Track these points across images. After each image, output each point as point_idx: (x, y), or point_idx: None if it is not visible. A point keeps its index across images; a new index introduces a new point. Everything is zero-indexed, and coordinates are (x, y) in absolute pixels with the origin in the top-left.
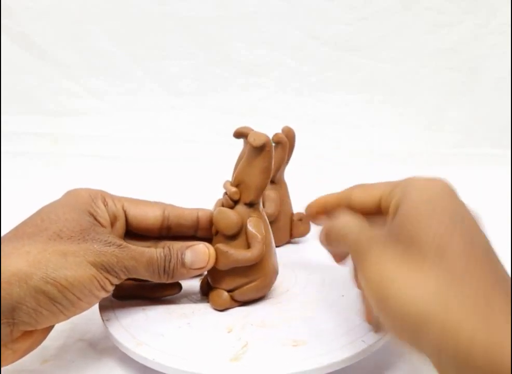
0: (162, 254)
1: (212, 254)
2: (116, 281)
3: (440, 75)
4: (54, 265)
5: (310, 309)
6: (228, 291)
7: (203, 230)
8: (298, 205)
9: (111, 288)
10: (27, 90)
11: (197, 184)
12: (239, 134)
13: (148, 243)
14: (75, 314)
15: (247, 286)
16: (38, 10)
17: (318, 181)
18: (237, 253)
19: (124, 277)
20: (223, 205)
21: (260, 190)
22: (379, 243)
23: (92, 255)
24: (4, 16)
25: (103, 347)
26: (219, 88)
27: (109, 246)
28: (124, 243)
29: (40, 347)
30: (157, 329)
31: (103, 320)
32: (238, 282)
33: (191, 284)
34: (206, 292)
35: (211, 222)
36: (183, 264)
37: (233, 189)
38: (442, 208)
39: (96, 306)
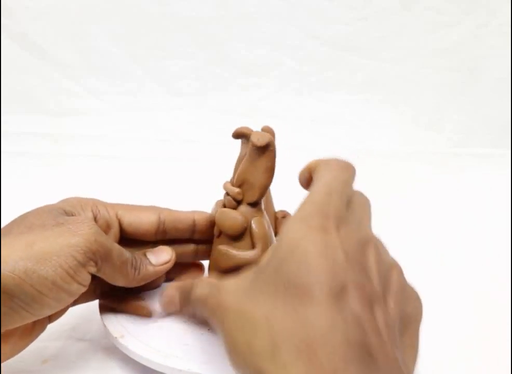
0: (130, 256)
1: (171, 250)
2: (92, 266)
3: (440, 75)
4: (16, 257)
5: None
6: None
7: (200, 233)
8: (281, 203)
9: (83, 278)
10: (27, 90)
11: (197, 184)
12: (239, 135)
13: None
14: (42, 312)
15: None
16: (38, 10)
17: None
18: (241, 254)
19: (100, 262)
20: (224, 206)
21: (265, 190)
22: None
23: (67, 235)
24: (4, 16)
25: (104, 347)
26: (219, 88)
27: (85, 222)
28: (109, 240)
29: (40, 347)
30: (179, 339)
31: (115, 338)
32: None
33: None
34: None
35: (208, 225)
36: (150, 263)
37: (237, 189)
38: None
39: (97, 308)
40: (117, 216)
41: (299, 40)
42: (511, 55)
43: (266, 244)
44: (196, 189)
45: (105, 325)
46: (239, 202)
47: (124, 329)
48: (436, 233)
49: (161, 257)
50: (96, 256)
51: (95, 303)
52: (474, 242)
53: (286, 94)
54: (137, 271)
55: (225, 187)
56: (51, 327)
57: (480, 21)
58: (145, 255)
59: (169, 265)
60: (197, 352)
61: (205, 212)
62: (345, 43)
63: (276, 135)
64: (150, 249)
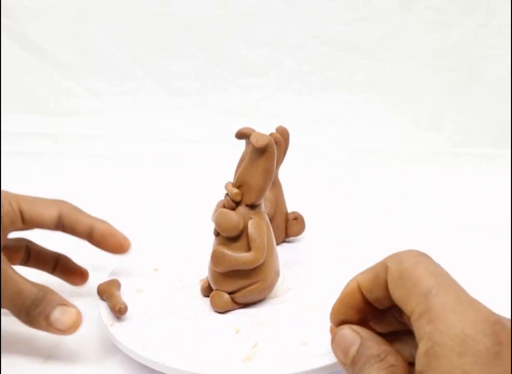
0: (33, 295)
1: (77, 324)
2: None
3: (440, 75)
4: None
5: (314, 307)
6: (229, 293)
7: (96, 242)
8: (293, 204)
9: None
10: (27, 90)
11: (197, 184)
12: (241, 135)
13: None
14: None
15: (249, 288)
16: (38, 10)
17: (316, 181)
18: (236, 256)
19: None
20: (224, 207)
21: (262, 192)
22: None
23: None
24: (4, 16)
25: (103, 347)
26: (219, 88)
27: None
28: (5, 262)
29: (40, 346)
30: (163, 332)
31: (106, 325)
32: (239, 284)
33: (191, 287)
34: (207, 292)
35: (105, 236)
36: (46, 317)
37: (235, 190)
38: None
39: (96, 308)
40: (19, 210)
41: (299, 40)
42: (511, 55)
43: (262, 247)
44: (196, 189)
45: (99, 313)
46: (237, 203)
47: (116, 317)
48: (436, 233)
49: (61, 321)
50: None
51: (95, 301)
52: (474, 242)
53: (286, 94)
54: (28, 319)
55: (225, 188)
56: None
57: (480, 21)
58: (56, 305)
59: (61, 334)
60: (177, 347)
61: (108, 224)
62: (345, 43)
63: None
64: (67, 305)
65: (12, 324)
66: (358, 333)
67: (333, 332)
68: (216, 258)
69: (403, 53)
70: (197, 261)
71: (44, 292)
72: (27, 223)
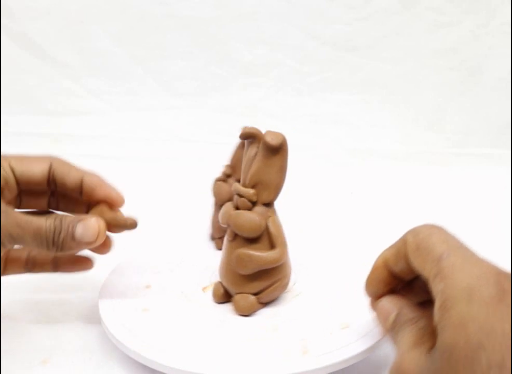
0: (52, 225)
1: (102, 229)
2: (1, 250)
3: (440, 75)
4: None
5: (331, 296)
6: (254, 294)
7: (86, 195)
8: (293, 204)
9: None
10: (27, 90)
11: (197, 184)
12: (248, 135)
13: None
14: None
15: (273, 286)
16: (38, 10)
17: (316, 181)
18: (262, 255)
19: (10, 246)
20: (237, 208)
21: (280, 189)
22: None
23: None
24: (4, 16)
25: (103, 347)
26: (219, 88)
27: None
28: (10, 209)
29: (39, 346)
30: (200, 346)
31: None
32: (264, 284)
33: (196, 297)
34: (223, 299)
35: (94, 188)
36: (73, 237)
37: (251, 190)
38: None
39: (96, 308)
40: (10, 167)
41: (299, 40)
42: (511, 55)
43: (285, 243)
44: (196, 189)
45: (101, 317)
46: (254, 203)
47: (119, 320)
48: None
49: (87, 234)
50: (4, 242)
51: (95, 302)
52: (474, 242)
53: (286, 94)
54: (58, 248)
55: (236, 189)
56: (50, 327)
57: (480, 21)
58: (75, 222)
59: (92, 246)
60: (226, 356)
61: (97, 176)
62: (345, 43)
63: None
64: (84, 218)
65: (12, 324)
66: (395, 302)
67: (372, 305)
68: (241, 261)
69: (403, 53)
70: (195, 270)
71: (59, 218)
72: (20, 181)
